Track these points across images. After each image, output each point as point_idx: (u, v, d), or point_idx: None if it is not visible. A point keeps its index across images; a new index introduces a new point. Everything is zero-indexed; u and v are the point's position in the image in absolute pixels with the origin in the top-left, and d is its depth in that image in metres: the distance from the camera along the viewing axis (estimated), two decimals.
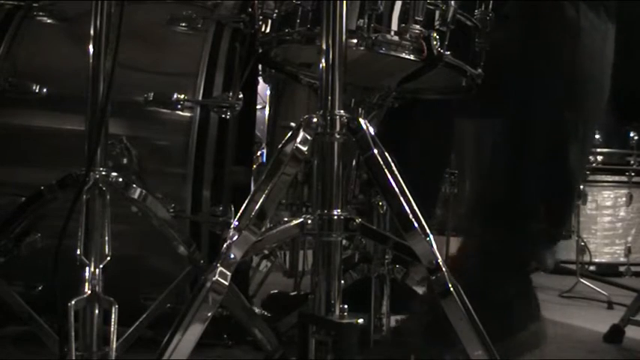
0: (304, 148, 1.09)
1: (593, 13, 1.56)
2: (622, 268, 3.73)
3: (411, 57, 1.34)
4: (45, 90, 1.59)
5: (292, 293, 2.16)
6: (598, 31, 1.58)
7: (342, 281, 1.10)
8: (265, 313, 1.86)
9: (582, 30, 1.55)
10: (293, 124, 1.57)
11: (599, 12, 1.57)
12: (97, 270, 1.11)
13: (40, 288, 1.55)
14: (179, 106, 1.61)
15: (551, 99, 1.57)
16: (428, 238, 1.10)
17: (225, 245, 1.05)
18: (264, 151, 2.49)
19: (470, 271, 1.52)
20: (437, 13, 1.34)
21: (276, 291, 2.12)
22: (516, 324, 1.53)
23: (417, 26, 1.32)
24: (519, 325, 1.53)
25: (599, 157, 3.72)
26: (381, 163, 1.12)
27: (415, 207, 1.11)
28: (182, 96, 1.61)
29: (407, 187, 1.12)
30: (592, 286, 2.95)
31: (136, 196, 1.23)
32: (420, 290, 1.77)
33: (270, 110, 2.36)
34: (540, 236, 1.59)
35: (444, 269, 1.09)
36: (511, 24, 1.60)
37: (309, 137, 1.10)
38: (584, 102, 1.60)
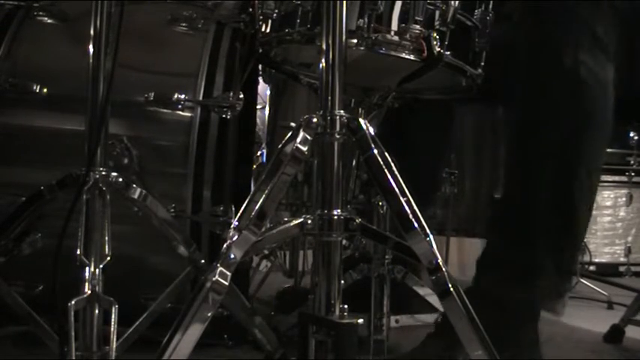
0: (304, 148, 1.09)
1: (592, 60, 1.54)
2: (622, 268, 3.73)
3: (411, 57, 1.34)
4: (45, 90, 1.59)
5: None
6: (598, 82, 1.56)
7: (342, 281, 1.10)
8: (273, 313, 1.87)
9: (585, 86, 1.53)
10: (293, 124, 1.57)
11: (598, 57, 1.56)
12: (97, 270, 1.11)
13: (40, 288, 1.55)
14: (179, 106, 1.61)
15: (556, 117, 1.55)
16: (428, 238, 1.10)
17: (225, 245, 1.05)
18: (264, 151, 2.49)
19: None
20: (437, 13, 1.34)
21: (288, 285, 2.12)
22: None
23: (417, 26, 1.32)
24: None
25: None
26: (381, 163, 1.12)
27: (415, 207, 1.11)
28: (182, 96, 1.61)
29: (406, 187, 1.12)
30: (592, 286, 2.95)
31: (136, 196, 1.23)
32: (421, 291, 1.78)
33: (270, 110, 2.36)
34: (550, 290, 1.58)
35: (444, 269, 1.09)
36: (516, 26, 1.60)
37: (309, 137, 1.09)
38: (588, 134, 1.57)
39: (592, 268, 3.60)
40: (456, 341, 1.10)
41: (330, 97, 1.10)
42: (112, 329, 1.09)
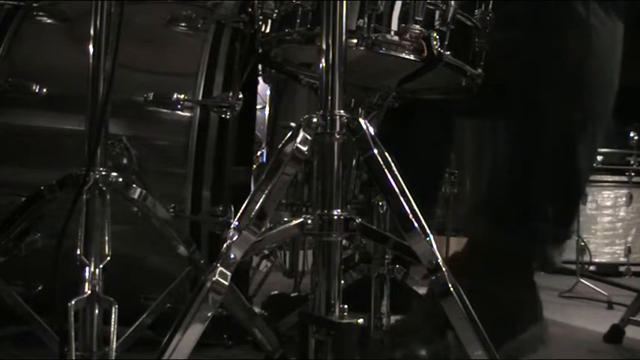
0: (304, 148, 1.09)
1: (602, 12, 1.56)
2: (622, 268, 3.74)
3: (411, 57, 1.34)
4: (45, 90, 1.59)
5: (293, 294, 2.16)
6: (607, 31, 1.57)
7: (342, 281, 1.10)
8: (264, 313, 1.86)
9: (592, 29, 1.55)
10: (293, 124, 1.57)
11: (609, 11, 1.57)
12: (97, 270, 1.11)
13: (40, 288, 1.55)
14: (179, 106, 1.61)
15: (559, 99, 1.56)
16: (428, 238, 1.10)
17: (225, 245, 1.05)
18: (264, 151, 2.49)
19: (472, 270, 1.52)
20: (437, 13, 1.34)
21: (276, 292, 2.12)
22: (518, 325, 1.52)
23: (417, 26, 1.32)
24: (521, 326, 1.53)
25: (599, 157, 3.72)
26: (381, 163, 1.12)
27: (415, 207, 1.11)
28: (182, 96, 1.61)
29: (407, 187, 1.12)
30: (592, 286, 2.95)
31: (136, 196, 1.23)
32: (421, 291, 1.78)
33: (270, 110, 2.36)
34: (546, 236, 1.59)
35: (444, 269, 1.09)
36: (517, 23, 1.60)
37: (309, 137, 1.09)
38: (592, 102, 1.59)
39: (592, 268, 3.61)
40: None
41: (330, 97, 1.10)
42: (112, 329, 1.09)
